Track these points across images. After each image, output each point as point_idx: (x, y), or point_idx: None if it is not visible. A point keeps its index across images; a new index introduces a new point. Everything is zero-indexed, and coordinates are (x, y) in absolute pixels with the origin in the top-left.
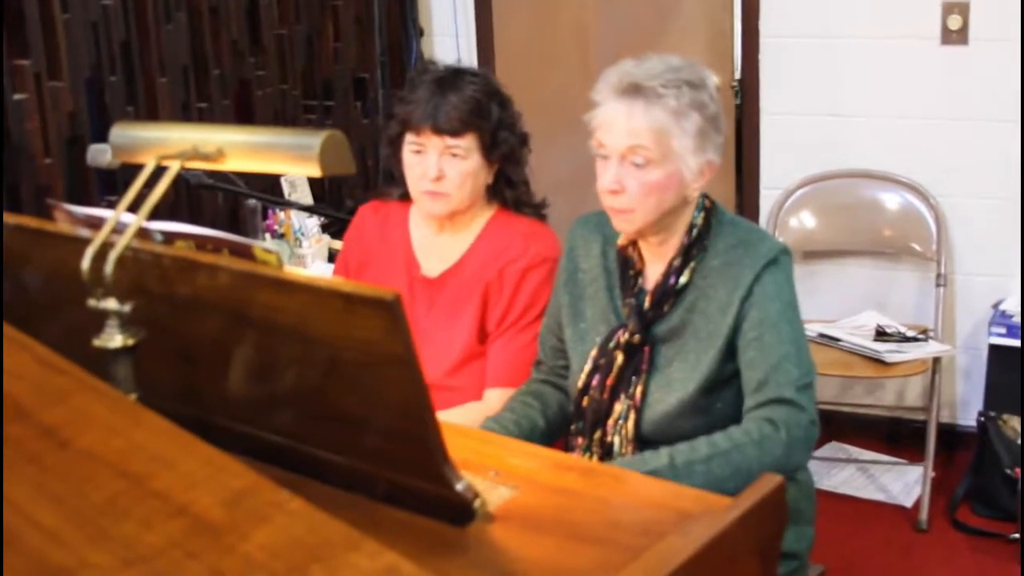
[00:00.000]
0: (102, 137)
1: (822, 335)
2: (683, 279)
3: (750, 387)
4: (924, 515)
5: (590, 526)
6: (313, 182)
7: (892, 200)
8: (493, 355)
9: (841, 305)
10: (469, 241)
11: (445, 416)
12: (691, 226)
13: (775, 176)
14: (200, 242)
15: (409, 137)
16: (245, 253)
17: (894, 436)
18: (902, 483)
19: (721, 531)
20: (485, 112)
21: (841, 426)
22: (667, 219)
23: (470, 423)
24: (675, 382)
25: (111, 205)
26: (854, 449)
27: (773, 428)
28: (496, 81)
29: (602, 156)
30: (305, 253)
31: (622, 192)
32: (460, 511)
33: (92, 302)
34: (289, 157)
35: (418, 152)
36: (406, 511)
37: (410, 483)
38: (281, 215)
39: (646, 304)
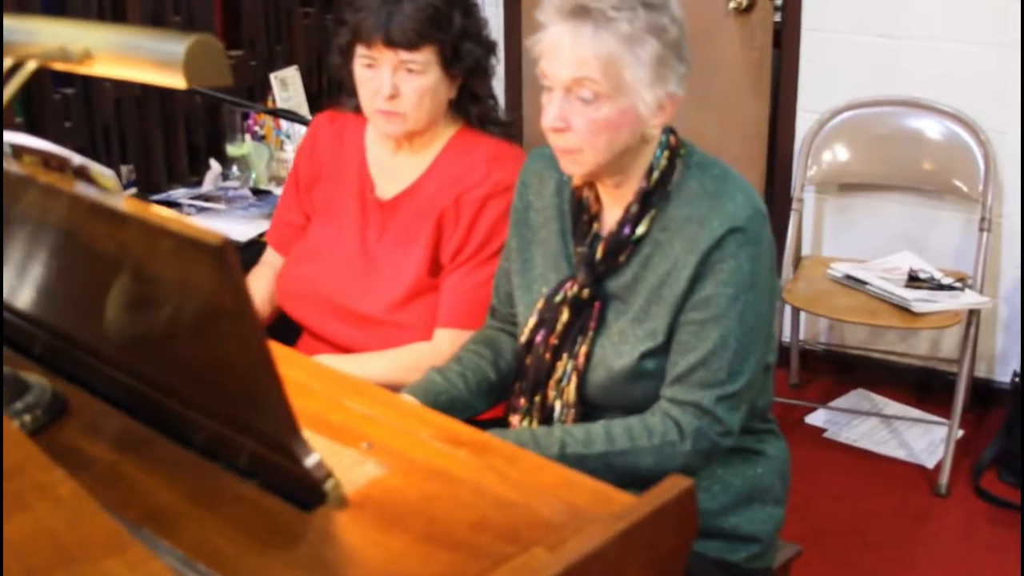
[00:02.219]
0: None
1: (849, 276)
2: (640, 229)
3: (671, 372)
4: (945, 479)
5: (454, 524)
6: (307, 80)
7: (937, 132)
8: (446, 292)
9: (875, 244)
10: (427, 163)
11: (389, 355)
12: (651, 168)
13: (813, 99)
14: (46, 159)
15: (360, 49)
16: (84, 175)
17: (925, 388)
18: (927, 441)
19: (605, 542)
20: (445, 21)
21: (869, 373)
22: (622, 160)
23: (415, 365)
24: (623, 345)
25: None
26: (880, 399)
27: (678, 434)
28: None
29: (546, 88)
30: (288, 157)
31: (567, 130)
32: (309, 491)
33: None
34: (153, 64)
35: (370, 66)
36: (261, 487)
37: (267, 455)
38: (264, 115)
39: (598, 255)
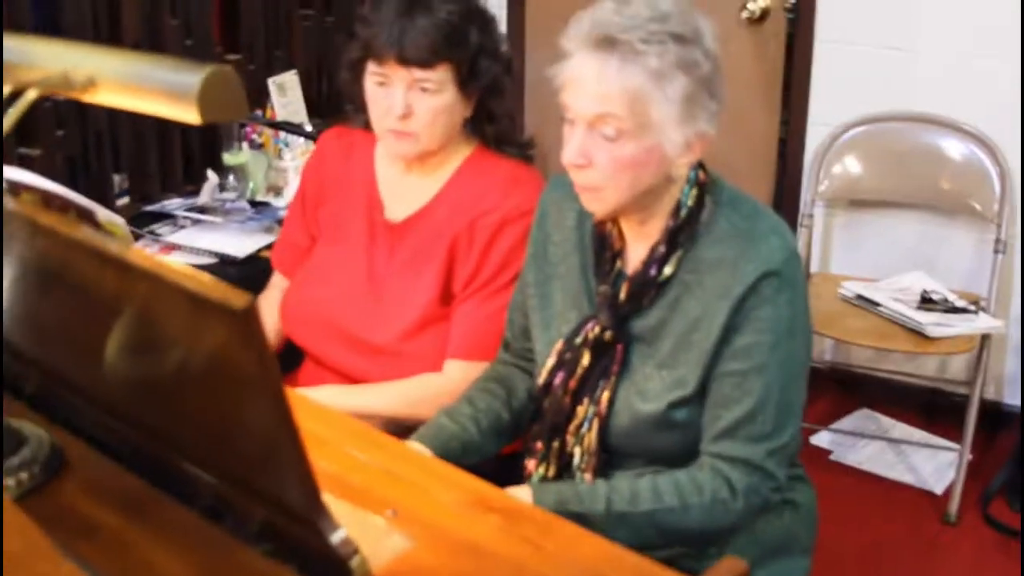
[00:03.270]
0: (46, 24)
1: (860, 297)
2: (667, 270)
3: (714, 428)
4: (954, 506)
5: None
6: (307, 85)
7: (954, 150)
8: (457, 321)
9: (886, 262)
10: (439, 184)
11: (396, 388)
12: (679, 205)
13: (825, 112)
14: (47, 198)
15: (371, 66)
16: (90, 219)
17: (933, 409)
18: (934, 464)
19: None
20: (461, 38)
21: (875, 393)
22: (645, 199)
23: (423, 398)
24: (648, 391)
25: None
26: (886, 420)
27: (730, 494)
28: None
29: (568, 120)
30: (287, 167)
31: (589, 167)
32: (335, 568)
33: None
34: (165, 95)
35: (382, 84)
36: (274, 559)
37: (285, 525)
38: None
39: (622, 295)
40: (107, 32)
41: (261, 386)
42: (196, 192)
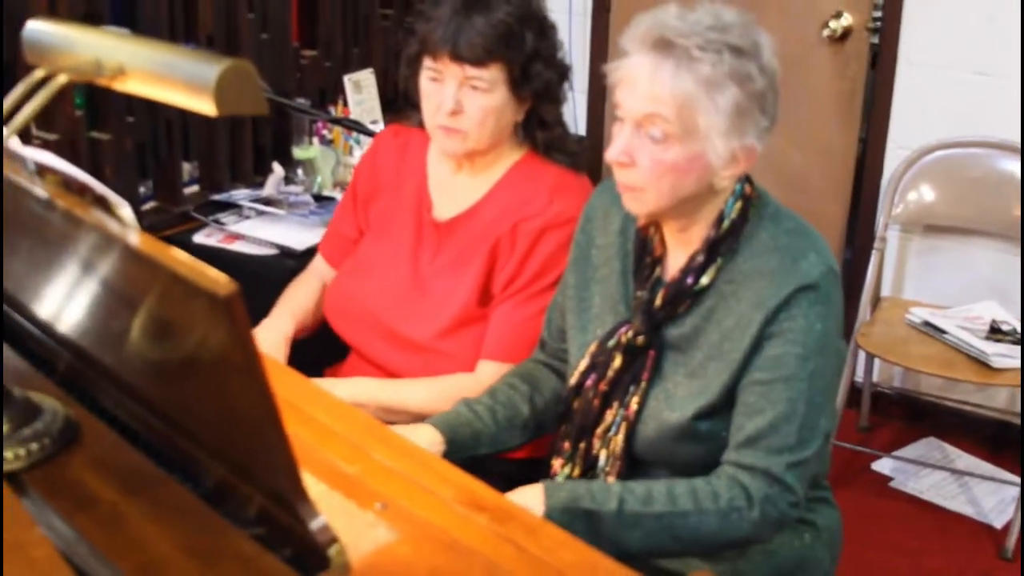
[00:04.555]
0: (124, 16)
1: (927, 323)
2: (704, 280)
3: (737, 435)
4: (1011, 541)
5: None
6: (383, 84)
7: None
8: (494, 323)
9: (958, 290)
10: (487, 186)
11: (428, 384)
12: (721, 216)
13: (904, 134)
14: (67, 181)
15: (427, 61)
16: (103, 203)
17: (1000, 442)
18: (997, 498)
19: None
20: (516, 40)
21: (942, 422)
22: (686, 206)
23: (454, 396)
24: (677, 399)
25: None
26: (952, 450)
27: (747, 503)
28: (538, 3)
29: (618, 118)
30: (356, 163)
31: (632, 166)
32: (312, 555)
33: None
34: (185, 87)
35: (435, 80)
36: (263, 544)
37: (273, 510)
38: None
39: (657, 301)
40: (183, 24)
41: (245, 372)
42: (264, 184)
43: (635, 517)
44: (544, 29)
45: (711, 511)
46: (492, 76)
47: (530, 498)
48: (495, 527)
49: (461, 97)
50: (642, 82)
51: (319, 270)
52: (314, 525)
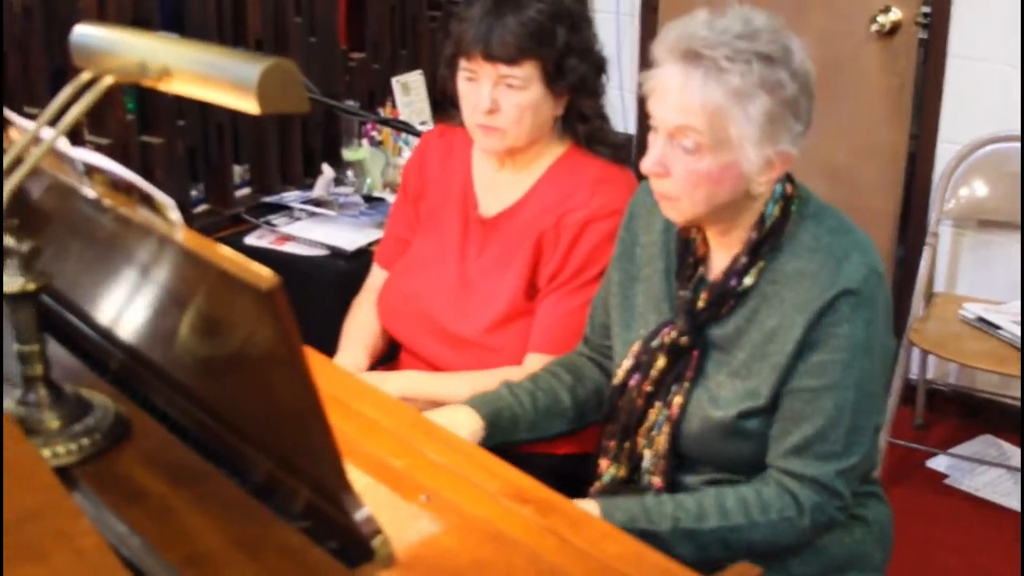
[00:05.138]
0: (172, 23)
1: (981, 319)
2: (747, 281)
3: (783, 444)
4: None
5: None
6: (433, 86)
7: None
8: (540, 316)
9: (1013, 285)
10: (531, 181)
11: (475, 378)
12: (763, 218)
13: (955, 129)
14: (114, 181)
15: (462, 62)
16: (149, 202)
17: None
18: None
19: None
20: (548, 37)
21: (998, 419)
22: (724, 212)
23: None
24: (720, 398)
25: None
26: (1008, 447)
27: (797, 511)
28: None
29: (652, 128)
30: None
31: (666, 176)
32: (357, 546)
33: None
34: (229, 86)
35: (471, 80)
36: (309, 537)
37: (318, 503)
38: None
39: (700, 302)
40: (231, 28)
41: (288, 365)
42: (314, 185)
43: (689, 533)
44: (576, 23)
45: (762, 522)
46: (526, 73)
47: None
48: (539, 519)
49: (497, 95)
50: (672, 93)
51: (376, 287)
52: (358, 516)
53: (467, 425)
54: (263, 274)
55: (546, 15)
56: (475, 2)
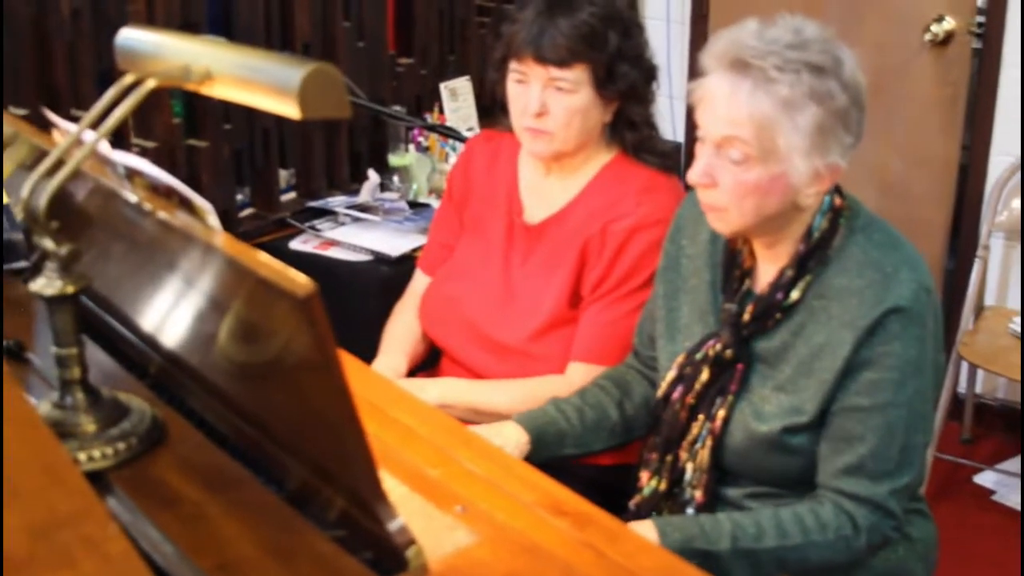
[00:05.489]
0: (221, 26)
1: None
2: (794, 295)
3: (836, 463)
4: None
5: None
6: (480, 92)
7: None
8: (583, 325)
9: None
10: (577, 188)
11: (517, 386)
12: (810, 231)
13: (1008, 141)
14: (154, 185)
15: (512, 64)
16: (187, 206)
17: None
18: None
19: None
20: (599, 41)
21: None
22: (772, 224)
23: (543, 398)
24: (765, 414)
25: None
26: None
27: (854, 530)
28: (622, 4)
29: (700, 138)
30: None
31: (713, 187)
32: (391, 556)
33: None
34: (271, 91)
35: (520, 82)
36: (343, 546)
37: (353, 511)
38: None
39: (746, 315)
40: (279, 33)
41: (324, 372)
42: (360, 191)
43: (747, 553)
44: (629, 29)
45: (820, 541)
46: (576, 77)
47: (643, 536)
48: (575, 532)
49: (546, 99)
50: (720, 104)
51: (419, 292)
52: (392, 526)
53: (513, 440)
54: (300, 281)
55: (598, 18)
56: (528, 4)
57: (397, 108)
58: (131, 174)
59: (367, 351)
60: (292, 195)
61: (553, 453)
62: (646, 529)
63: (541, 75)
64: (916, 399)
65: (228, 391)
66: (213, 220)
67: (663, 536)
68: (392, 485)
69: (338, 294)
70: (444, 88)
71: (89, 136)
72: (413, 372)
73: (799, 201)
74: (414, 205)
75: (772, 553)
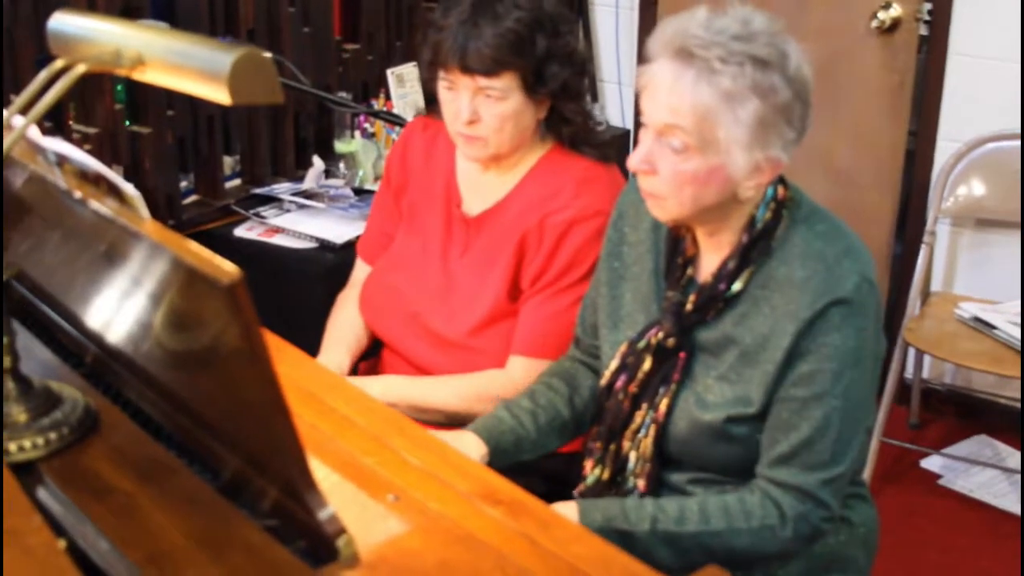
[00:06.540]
0: (164, 11)
1: (976, 319)
2: (736, 286)
3: (771, 453)
4: None
5: None
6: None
7: None
8: (523, 318)
9: (1010, 285)
10: (514, 181)
11: (458, 382)
12: (753, 221)
13: (954, 127)
14: (83, 171)
15: (440, 72)
16: (116, 192)
17: None
18: None
19: None
20: (527, 47)
21: (994, 419)
22: (711, 214)
23: (484, 394)
24: (709, 403)
25: None
26: (1004, 448)
27: (779, 519)
28: (549, 4)
29: (642, 124)
30: None
31: (652, 174)
32: (322, 546)
33: None
34: (201, 76)
35: (450, 89)
36: (273, 536)
37: (284, 501)
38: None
39: (688, 305)
40: (223, 20)
41: (250, 360)
42: (305, 178)
43: (668, 536)
44: (557, 28)
45: (743, 529)
46: (505, 84)
47: (565, 515)
48: (508, 521)
49: (477, 106)
50: (662, 92)
51: (361, 281)
52: (322, 515)
53: (473, 452)
54: (226, 268)
55: (524, 24)
56: (451, 10)
57: (343, 94)
58: (60, 161)
59: (313, 338)
60: (237, 182)
61: (511, 459)
62: (568, 509)
63: (469, 84)
64: (853, 390)
65: (161, 380)
66: (141, 207)
67: (583, 515)
68: (325, 474)
69: (283, 281)
70: (391, 74)
71: (18, 122)
72: (357, 362)
73: (739, 193)
74: (359, 192)
75: (694, 538)
